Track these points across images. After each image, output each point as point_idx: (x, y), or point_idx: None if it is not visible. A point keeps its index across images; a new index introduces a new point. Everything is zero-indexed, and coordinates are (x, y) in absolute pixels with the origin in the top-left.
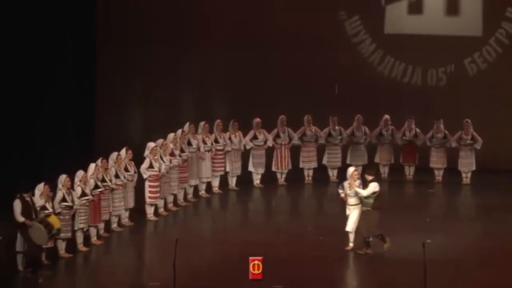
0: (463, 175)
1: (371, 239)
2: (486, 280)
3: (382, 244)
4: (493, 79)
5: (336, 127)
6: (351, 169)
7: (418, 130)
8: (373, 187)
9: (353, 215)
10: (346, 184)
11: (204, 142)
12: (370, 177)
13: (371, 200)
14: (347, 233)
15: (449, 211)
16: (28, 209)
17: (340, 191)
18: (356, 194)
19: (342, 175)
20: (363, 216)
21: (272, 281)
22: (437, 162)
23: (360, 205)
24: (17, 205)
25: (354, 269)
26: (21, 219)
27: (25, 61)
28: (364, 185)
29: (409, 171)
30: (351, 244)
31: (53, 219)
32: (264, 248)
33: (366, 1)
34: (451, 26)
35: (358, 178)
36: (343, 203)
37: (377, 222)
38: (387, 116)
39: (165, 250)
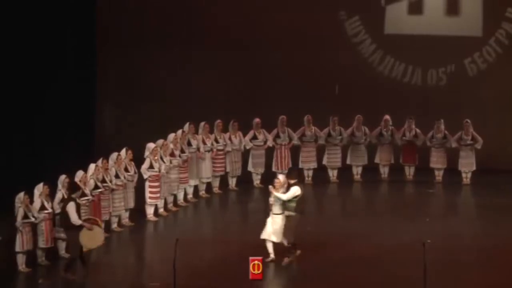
0: (463, 175)
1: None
2: (486, 280)
3: (288, 255)
4: (493, 80)
5: (336, 127)
6: (280, 177)
7: (418, 130)
8: (294, 190)
9: (272, 224)
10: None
11: (204, 143)
12: (292, 181)
13: (293, 204)
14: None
15: (449, 211)
16: (78, 211)
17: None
18: (279, 200)
19: (342, 176)
20: (285, 222)
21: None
22: (437, 162)
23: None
24: (72, 208)
25: (354, 268)
26: (79, 222)
27: (25, 62)
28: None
29: (409, 171)
30: (271, 256)
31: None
32: (264, 248)
33: (366, 1)
34: (451, 26)
35: (282, 187)
36: (342, 204)
37: (294, 229)
38: (387, 117)
39: (165, 250)
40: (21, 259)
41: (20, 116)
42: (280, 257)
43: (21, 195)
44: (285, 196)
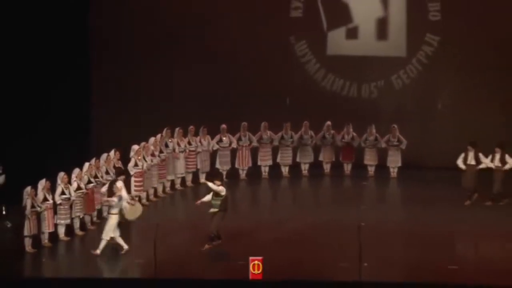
0: (391, 170)
1: (213, 235)
2: (409, 256)
3: (209, 242)
4: (415, 92)
5: (288, 132)
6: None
7: (354, 133)
8: (220, 190)
9: (109, 221)
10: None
11: (179, 145)
12: (218, 183)
13: (218, 202)
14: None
15: (380, 200)
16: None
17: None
18: (120, 201)
19: (292, 171)
20: (212, 216)
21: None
22: (370, 159)
23: (117, 215)
24: (120, 185)
25: (301, 247)
26: (126, 196)
27: (25, 72)
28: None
29: (347, 168)
30: (125, 247)
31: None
32: (226, 231)
33: (312, 28)
34: (381, 48)
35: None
36: (293, 194)
37: (218, 223)
38: (328, 122)
39: (147, 233)
40: (28, 242)
41: (24, 122)
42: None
43: (28, 189)
44: (215, 187)
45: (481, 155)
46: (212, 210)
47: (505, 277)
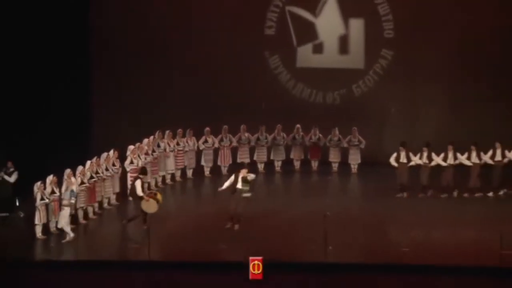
0: (352, 166)
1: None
2: (369, 240)
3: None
4: (372, 99)
5: (263, 133)
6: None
7: (320, 135)
8: (252, 177)
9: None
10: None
11: (169, 145)
12: (247, 171)
13: (247, 188)
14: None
15: (343, 192)
16: (143, 186)
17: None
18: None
19: (267, 167)
20: (239, 200)
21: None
22: (334, 157)
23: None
24: (139, 184)
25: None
26: (141, 194)
27: (27, 75)
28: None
29: (314, 164)
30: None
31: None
32: (213, 218)
33: (283, 44)
34: (343, 61)
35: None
36: (267, 188)
37: (245, 205)
38: (298, 125)
39: (142, 221)
40: (38, 229)
41: (28, 123)
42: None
43: (38, 183)
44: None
45: (410, 154)
46: (245, 194)
47: (449, 258)
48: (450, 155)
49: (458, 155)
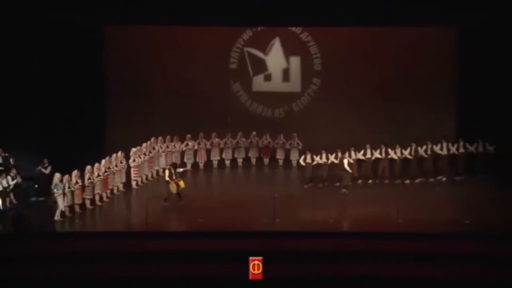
0: (293, 162)
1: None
2: (305, 214)
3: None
4: (307, 114)
5: (229, 139)
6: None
7: (270, 139)
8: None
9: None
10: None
11: (161, 147)
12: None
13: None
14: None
15: (286, 180)
16: (171, 174)
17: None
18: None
19: (232, 164)
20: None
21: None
22: (279, 155)
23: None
24: (167, 173)
25: (229, 212)
26: (167, 179)
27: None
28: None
29: (266, 161)
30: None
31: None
32: (194, 199)
33: (243, 75)
34: (285, 87)
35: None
36: (231, 178)
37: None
38: (254, 132)
39: (142, 203)
40: (67, 210)
41: (63, 131)
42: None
43: (67, 176)
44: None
45: (314, 156)
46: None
47: (361, 226)
48: (353, 154)
49: (361, 152)
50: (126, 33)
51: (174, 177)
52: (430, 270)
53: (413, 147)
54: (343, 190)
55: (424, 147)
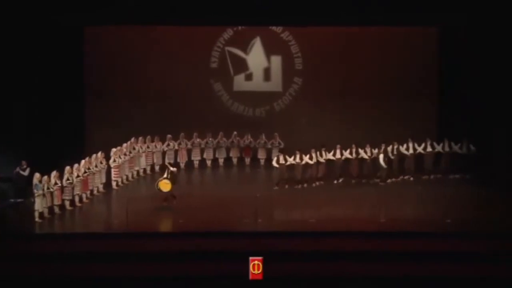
0: (274, 162)
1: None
2: (288, 215)
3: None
4: (288, 113)
5: (210, 139)
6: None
7: (251, 139)
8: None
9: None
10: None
11: (141, 147)
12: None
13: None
14: None
15: (268, 180)
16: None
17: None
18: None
19: (213, 163)
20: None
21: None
22: (261, 155)
23: None
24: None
25: (215, 211)
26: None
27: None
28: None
29: (247, 160)
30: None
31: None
32: (178, 198)
33: (224, 74)
34: (266, 86)
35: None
36: (213, 177)
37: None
38: (235, 132)
39: (122, 203)
40: (45, 211)
41: (41, 132)
42: None
43: (45, 177)
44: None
45: (287, 157)
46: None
47: (346, 226)
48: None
49: (331, 153)
50: (105, 33)
51: (168, 177)
52: (420, 269)
53: (383, 147)
54: (378, 181)
55: (391, 146)
